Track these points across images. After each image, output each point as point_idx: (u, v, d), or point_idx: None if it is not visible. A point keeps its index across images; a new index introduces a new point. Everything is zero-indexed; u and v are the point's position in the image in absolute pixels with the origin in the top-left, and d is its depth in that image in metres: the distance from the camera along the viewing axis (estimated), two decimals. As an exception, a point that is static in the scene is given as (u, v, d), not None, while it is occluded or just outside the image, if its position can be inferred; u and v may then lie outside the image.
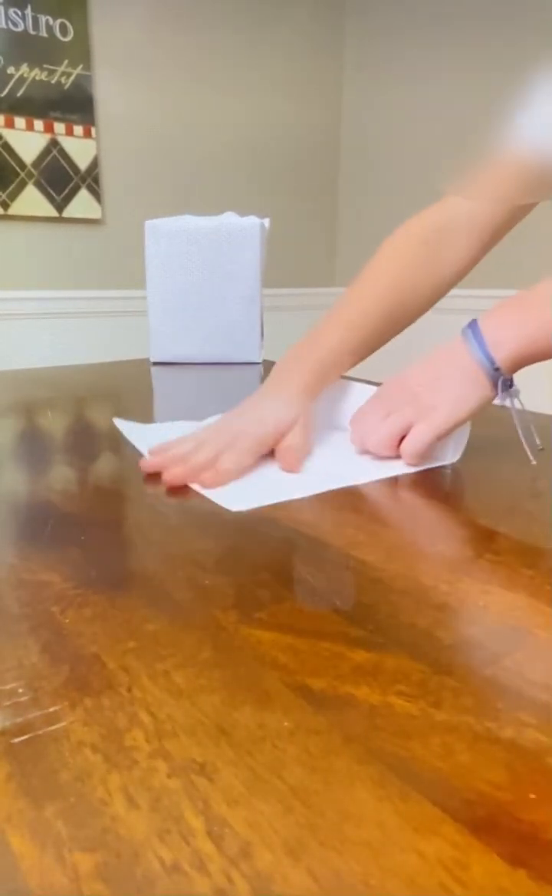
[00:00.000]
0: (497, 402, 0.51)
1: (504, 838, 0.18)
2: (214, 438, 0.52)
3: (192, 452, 0.50)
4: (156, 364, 1.11)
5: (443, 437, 0.51)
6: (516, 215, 0.67)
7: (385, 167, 2.50)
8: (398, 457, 0.52)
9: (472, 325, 0.51)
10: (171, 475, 0.47)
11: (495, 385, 0.50)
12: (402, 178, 2.43)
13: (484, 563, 0.35)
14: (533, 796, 0.20)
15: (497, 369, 0.49)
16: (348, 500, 0.45)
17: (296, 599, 0.31)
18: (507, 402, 0.51)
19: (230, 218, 1.07)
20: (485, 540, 0.39)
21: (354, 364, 0.63)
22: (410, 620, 0.29)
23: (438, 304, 0.72)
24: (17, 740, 0.22)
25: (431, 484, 0.49)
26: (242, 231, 1.05)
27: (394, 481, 0.49)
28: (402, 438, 0.52)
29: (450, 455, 0.53)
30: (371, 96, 2.50)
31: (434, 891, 0.17)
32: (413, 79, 2.33)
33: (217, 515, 0.42)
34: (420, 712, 0.23)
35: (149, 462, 0.50)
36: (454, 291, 0.71)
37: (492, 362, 0.49)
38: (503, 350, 0.49)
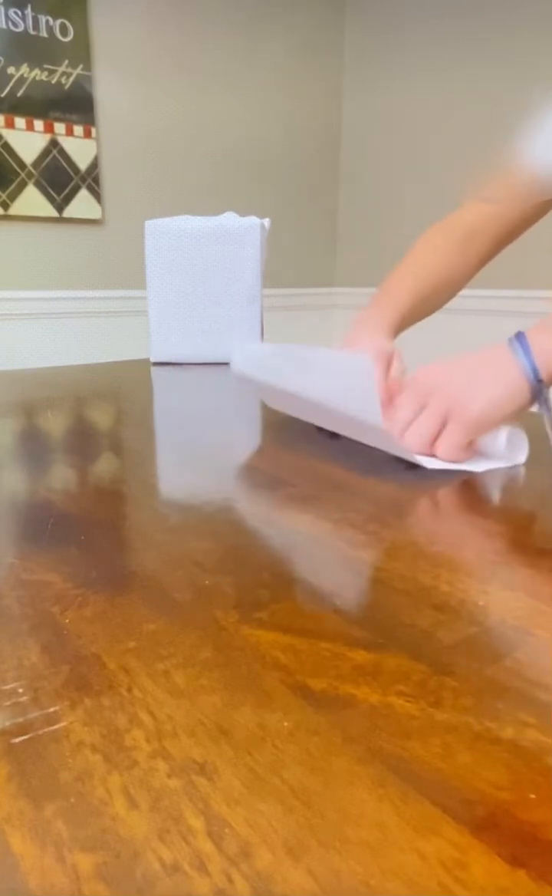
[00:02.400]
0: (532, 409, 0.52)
1: (504, 838, 0.18)
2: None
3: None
4: (156, 364, 1.11)
5: (473, 437, 0.52)
6: (529, 220, 0.77)
7: (385, 167, 2.50)
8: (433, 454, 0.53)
9: (520, 336, 0.53)
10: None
11: (535, 395, 0.51)
12: (403, 178, 2.43)
13: (484, 563, 0.35)
14: (533, 796, 0.20)
15: (540, 381, 0.50)
16: (348, 500, 0.45)
17: (296, 599, 0.31)
18: (543, 411, 0.52)
19: (230, 218, 1.07)
20: (485, 540, 0.39)
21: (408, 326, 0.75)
22: (410, 620, 0.29)
23: (454, 305, 0.82)
24: (17, 740, 0.22)
25: (431, 484, 0.49)
26: (242, 231, 1.05)
27: (394, 481, 0.49)
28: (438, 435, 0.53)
29: (514, 455, 0.53)
30: (371, 96, 2.50)
31: (434, 891, 0.17)
32: (413, 78, 2.33)
33: (217, 515, 0.42)
34: (420, 712, 0.23)
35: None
36: (469, 293, 0.81)
37: (536, 372, 0.50)
38: (548, 363, 0.51)
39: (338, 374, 0.53)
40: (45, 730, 0.23)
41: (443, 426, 0.52)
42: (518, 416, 0.52)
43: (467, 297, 0.86)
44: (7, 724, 0.23)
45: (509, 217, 0.76)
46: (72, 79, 1.97)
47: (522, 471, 0.52)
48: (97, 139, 2.07)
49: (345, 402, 0.52)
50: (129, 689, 0.25)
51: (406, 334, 0.75)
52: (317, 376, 0.55)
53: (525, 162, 0.73)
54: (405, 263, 0.77)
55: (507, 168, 0.75)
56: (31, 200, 1.98)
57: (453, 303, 0.82)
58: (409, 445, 0.53)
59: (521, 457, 0.53)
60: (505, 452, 0.53)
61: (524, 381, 0.51)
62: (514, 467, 0.52)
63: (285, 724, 0.23)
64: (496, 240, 0.77)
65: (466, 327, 2.08)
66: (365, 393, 0.49)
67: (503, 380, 0.51)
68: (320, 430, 0.62)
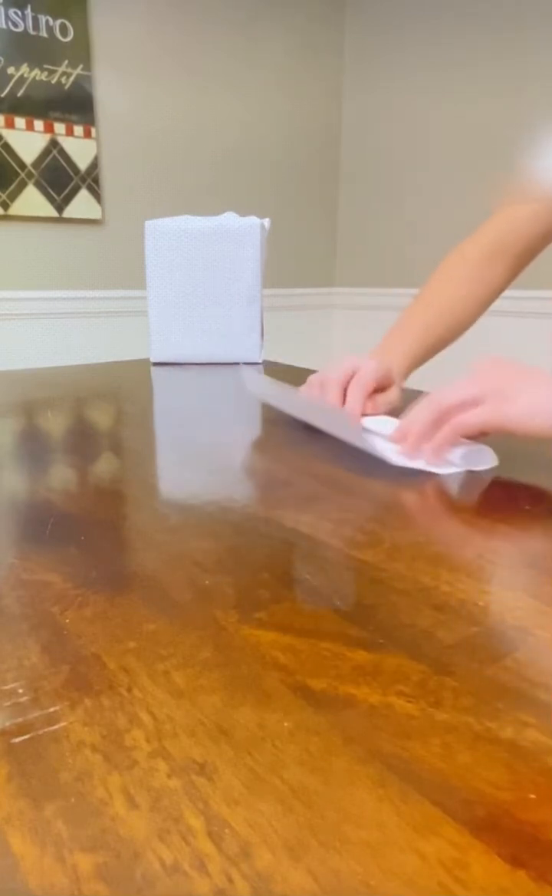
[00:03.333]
0: None
1: (504, 838, 0.18)
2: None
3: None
4: (156, 364, 1.11)
5: (494, 428, 0.50)
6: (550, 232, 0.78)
7: (385, 167, 2.50)
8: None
9: None
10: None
11: None
12: (403, 177, 2.43)
13: (484, 563, 0.35)
14: (533, 796, 0.20)
15: None
16: (348, 500, 0.45)
17: (296, 599, 0.31)
18: None
19: (230, 218, 1.07)
20: (485, 540, 0.39)
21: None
22: (410, 620, 0.29)
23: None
24: (17, 740, 0.22)
25: (431, 484, 0.49)
26: (242, 231, 1.05)
27: (394, 481, 0.49)
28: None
29: (486, 460, 0.53)
30: (371, 96, 2.50)
31: (434, 891, 0.17)
32: (413, 78, 2.33)
33: (217, 515, 0.42)
34: (420, 712, 0.23)
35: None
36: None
37: None
38: None
39: (330, 415, 0.60)
40: (45, 730, 0.23)
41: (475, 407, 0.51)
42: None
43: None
44: (7, 724, 0.23)
45: (532, 231, 0.77)
46: (72, 79, 1.97)
47: (522, 471, 0.52)
48: (97, 139, 2.07)
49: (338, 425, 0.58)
50: (129, 689, 0.25)
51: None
52: (316, 414, 0.62)
53: (542, 165, 0.74)
54: (423, 297, 0.78)
55: (530, 173, 0.76)
56: (31, 200, 1.98)
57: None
58: (441, 404, 0.52)
59: (484, 466, 0.53)
60: (462, 463, 0.53)
61: None
62: (515, 467, 0.52)
63: (285, 724, 0.23)
64: (522, 255, 0.78)
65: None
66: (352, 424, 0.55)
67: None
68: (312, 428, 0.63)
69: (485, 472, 0.52)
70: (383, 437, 0.57)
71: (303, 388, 0.69)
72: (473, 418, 0.50)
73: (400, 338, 0.74)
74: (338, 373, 0.65)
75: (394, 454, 0.53)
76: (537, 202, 0.76)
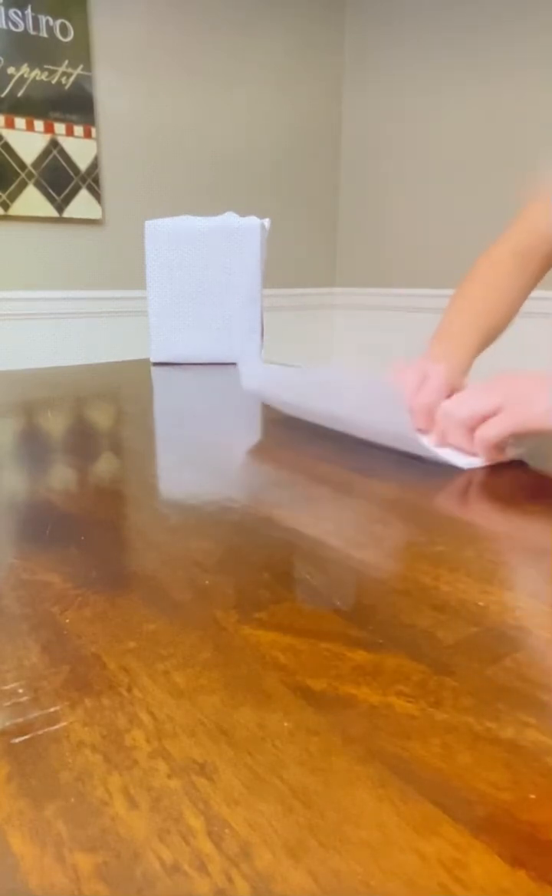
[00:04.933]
0: None
1: (504, 838, 0.18)
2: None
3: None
4: (156, 364, 1.11)
5: (519, 433, 0.50)
6: None
7: (385, 167, 2.50)
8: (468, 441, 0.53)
9: None
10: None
11: None
12: (403, 177, 2.43)
13: (484, 563, 0.35)
14: (533, 796, 0.20)
15: None
16: (348, 500, 0.45)
17: (296, 599, 0.31)
18: None
19: (230, 218, 1.07)
20: (485, 540, 0.39)
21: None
22: (410, 620, 0.29)
23: None
24: (17, 740, 0.22)
25: (431, 484, 0.49)
26: (242, 231, 1.05)
27: (394, 481, 0.49)
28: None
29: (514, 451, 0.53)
30: (371, 96, 2.50)
31: (434, 891, 0.17)
32: (413, 78, 2.33)
33: (217, 515, 0.42)
34: (420, 712, 0.23)
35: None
36: None
37: None
38: None
39: (368, 396, 0.54)
40: (45, 730, 0.23)
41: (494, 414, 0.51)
42: None
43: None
44: (7, 724, 0.23)
45: None
46: (72, 79, 1.97)
47: (522, 471, 0.52)
48: (97, 139, 2.07)
49: (375, 415, 0.54)
50: (129, 690, 0.25)
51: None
52: (345, 399, 0.57)
53: None
54: (462, 298, 0.78)
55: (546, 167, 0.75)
56: (32, 200, 1.98)
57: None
58: (458, 418, 0.52)
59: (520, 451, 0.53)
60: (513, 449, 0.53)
61: None
62: (514, 467, 0.52)
63: (285, 724, 0.23)
64: (548, 257, 0.79)
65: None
66: (396, 410, 0.51)
67: None
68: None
69: (489, 473, 0.52)
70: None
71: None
72: (496, 428, 0.50)
73: (451, 339, 0.73)
74: (409, 381, 0.62)
75: (426, 443, 0.52)
76: None
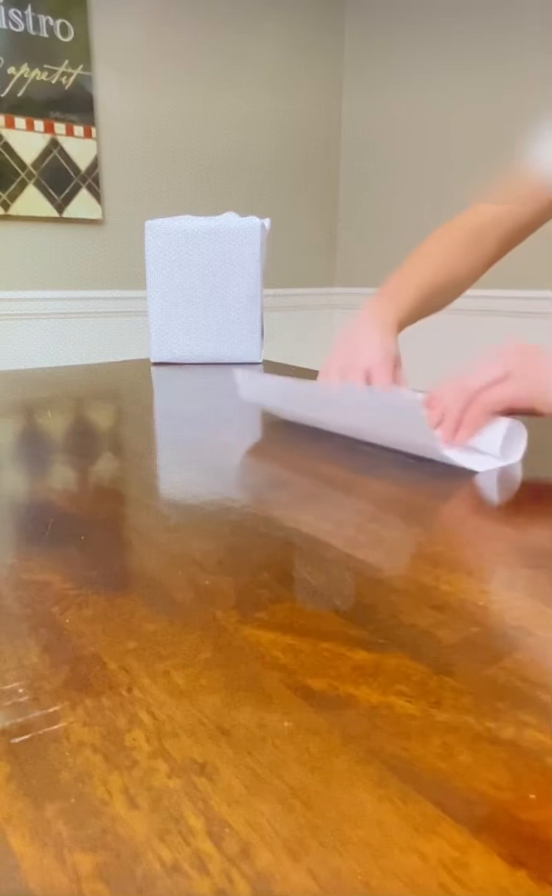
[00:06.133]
0: None
1: (504, 838, 0.18)
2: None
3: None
4: (156, 364, 1.11)
5: (523, 403, 0.50)
6: (537, 221, 0.77)
7: (385, 167, 2.50)
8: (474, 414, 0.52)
9: None
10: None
11: None
12: (403, 177, 2.43)
13: (484, 564, 0.35)
14: (533, 796, 0.20)
15: None
16: (348, 500, 0.45)
17: (296, 599, 0.31)
18: None
19: (230, 218, 1.07)
20: (485, 540, 0.39)
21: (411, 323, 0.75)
22: (410, 620, 0.29)
23: (455, 305, 0.82)
24: (17, 740, 0.22)
25: (431, 484, 0.49)
26: (242, 231, 1.05)
27: (394, 481, 0.49)
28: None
29: (509, 455, 0.53)
30: (371, 96, 2.50)
31: (434, 891, 0.17)
32: (413, 78, 2.33)
33: (217, 515, 0.42)
34: (420, 712, 0.23)
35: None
36: (470, 293, 0.82)
37: None
38: None
39: (382, 408, 0.54)
40: (46, 730, 0.23)
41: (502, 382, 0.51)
42: None
43: (468, 297, 0.87)
44: (7, 724, 0.23)
45: (517, 218, 0.77)
46: (72, 79, 1.97)
47: (522, 470, 0.52)
48: (97, 139, 2.07)
49: (391, 426, 0.54)
50: (130, 690, 0.25)
51: (406, 334, 0.75)
52: (355, 409, 0.57)
53: (533, 163, 0.73)
54: (411, 260, 0.78)
55: (516, 169, 0.75)
56: (32, 200, 1.98)
57: (455, 303, 0.82)
58: (469, 385, 0.52)
59: (518, 454, 0.53)
60: (502, 447, 0.52)
61: None
62: (514, 467, 0.52)
63: (285, 724, 0.23)
64: (503, 240, 0.78)
65: (466, 327, 2.08)
66: (416, 423, 0.50)
67: None
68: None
69: (489, 473, 0.52)
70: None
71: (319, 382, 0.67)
72: (501, 394, 0.50)
73: (387, 298, 0.74)
74: (355, 373, 0.64)
75: (438, 445, 0.52)
76: (510, 204, 0.76)
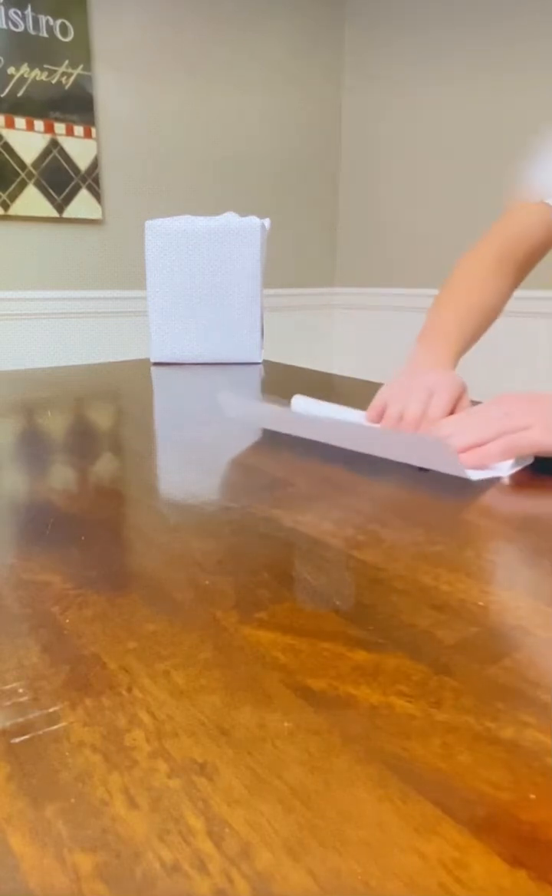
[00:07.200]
0: None
1: (504, 838, 0.18)
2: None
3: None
4: (156, 364, 1.11)
5: (546, 452, 0.52)
6: (548, 244, 0.80)
7: (385, 167, 2.50)
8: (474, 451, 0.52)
9: None
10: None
11: None
12: (403, 177, 2.43)
13: (484, 563, 0.35)
14: (533, 796, 0.20)
15: None
16: (348, 499, 0.45)
17: (296, 599, 0.31)
18: None
19: (230, 218, 1.07)
20: (485, 540, 0.39)
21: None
22: (410, 620, 0.29)
23: None
24: (17, 740, 0.22)
25: (431, 484, 0.49)
26: (242, 231, 1.05)
27: (394, 481, 0.49)
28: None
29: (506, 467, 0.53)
30: (371, 96, 2.50)
31: (434, 891, 0.17)
32: (414, 78, 2.33)
33: (217, 515, 0.42)
34: (420, 712, 0.23)
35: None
36: None
37: None
38: None
39: (408, 445, 0.53)
40: (46, 730, 0.23)
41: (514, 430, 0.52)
42: None
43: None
44: (7, 724, 0.23)
45: (532, 243, 0.80)
46: (72, 79, 1.97)
47: (522, 471, 0.52)
48: (97, 139, 2.07)
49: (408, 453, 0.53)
50: (129, 690, 0.25)
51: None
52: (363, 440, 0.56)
53: (536, 187, 0.77)
54: (447, 295, 0.81)
55: (522, 193, 0.80)
56: (32, 201, 1.98)
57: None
58: (472, 436, 0.52)
59: (525, 461, 0.53)
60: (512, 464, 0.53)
61: None
62: (514, 467, 0.52)
63: (285, 724, 0.23)
64: (521, 266, 0.82)
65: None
66: (446, 455, 0.50)
67: None
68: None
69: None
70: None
71: (370, 412, 0.65)
72: (528, 440, 0.51)
73: (437, 342, 0.75)
74: (417, 403, 0.63)
75: (451, 463, 0.51)
76: (540, 207, 0.79)
